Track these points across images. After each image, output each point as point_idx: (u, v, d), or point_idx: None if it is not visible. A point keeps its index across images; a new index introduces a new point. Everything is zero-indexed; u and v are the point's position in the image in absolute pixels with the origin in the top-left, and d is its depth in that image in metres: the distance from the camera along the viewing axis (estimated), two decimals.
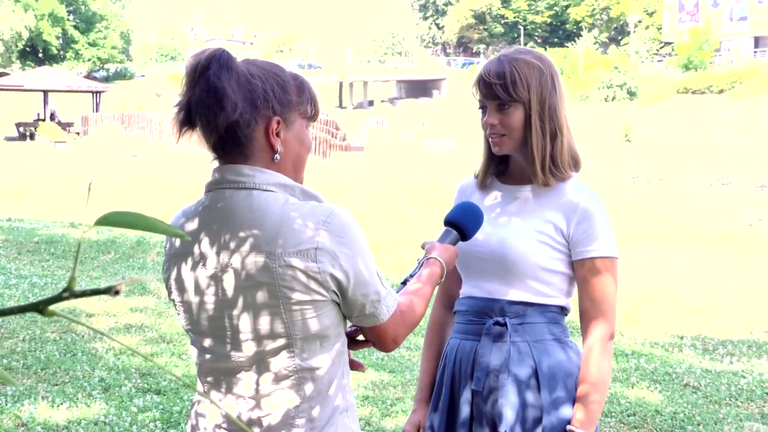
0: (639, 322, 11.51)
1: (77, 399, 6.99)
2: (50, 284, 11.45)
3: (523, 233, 3.14)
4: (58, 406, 6.82)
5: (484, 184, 3.34)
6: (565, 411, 3.10)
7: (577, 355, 3.19)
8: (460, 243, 3.10)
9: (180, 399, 7.08)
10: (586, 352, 3.13)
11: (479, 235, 3.14)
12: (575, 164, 3.22)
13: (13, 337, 8.68)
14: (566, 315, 3.27)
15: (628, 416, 7.19)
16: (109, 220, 1.03)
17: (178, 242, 2.62)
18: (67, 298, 1.01)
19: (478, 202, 3.27)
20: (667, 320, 11.71)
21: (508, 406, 3.12)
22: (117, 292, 0.98)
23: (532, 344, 3.15)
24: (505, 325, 3.16)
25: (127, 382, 7.48)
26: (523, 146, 3.17)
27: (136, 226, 1.04)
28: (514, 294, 3.17)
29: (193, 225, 2.57)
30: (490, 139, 3.19)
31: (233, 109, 2.44)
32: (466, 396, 3.23)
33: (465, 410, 3.22)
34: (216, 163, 2.60)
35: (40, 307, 1.03)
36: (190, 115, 2.50)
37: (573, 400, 3.11)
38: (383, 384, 7.81)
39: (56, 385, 7.35)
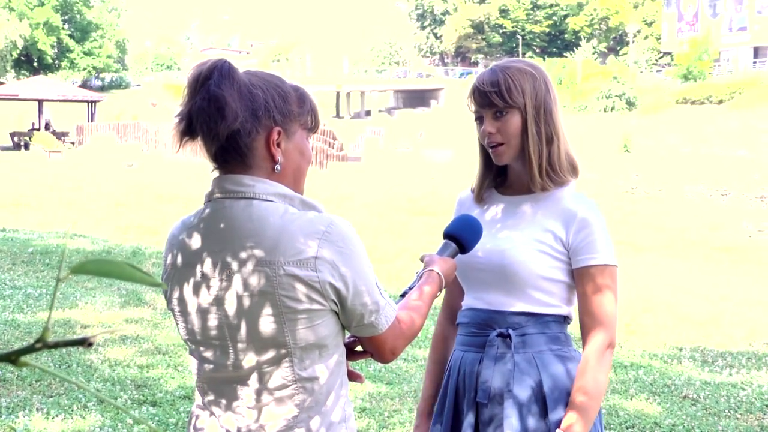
0: (638, 333, 11.48)
1: (72, 411, 6.95)
2: (45, 295, 11.40)
3: (522, 243, 3.14)
4: (53, 417, 6.78)
5: (480, 197, 3.34)
6: None
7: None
8: (460, 255, 3.09)
9: (176, 411, 7.04)
10: (582, 361, 3.12)
11: (479, 247, 3.12)
12: (573, 170, 3.23)
13: (8, 349, 8.63)
14: (569, 323, 3.27)
15: (627, 428, 7.16)
16: (85, 268, 0.99)
17: (179, 252, 2.60)
18: (39, 349, 0.98)
19: (478, 214, 3.27)
20: (666, 332, 11.68)
21: (510, 430, 3.09)
22: (90, 344, 0.96)
23: (534, 356, 3.14)
24: (508, 336, 3.14)
25: (122, 393, 7.44)
26: (522, 153, 3.17)
27: (112, 275, 1.00)
28: (515, 305, 3.17)
29: (193, 235, 2.58)
30: (490, 150, 3.18)
31: (234, 118, 2.45)
32: (469, 408, 3.22)
33: (469, 423, 3.20)
34: (216, 173, 2.60)
35: (13, 358, 1.00)
36: (191, 125, 2.50)
37: None
38: (380, 396, 7.76)
39: (51, 396, 7.31)
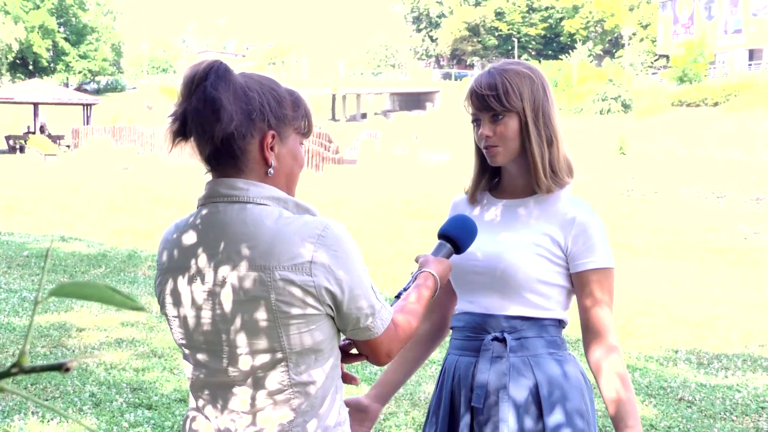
0: (634, 335, 11.48)
1: (68, 414, 6.91)
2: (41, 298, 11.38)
3: (519, 246, 3.12)
4: (48, 421, 6.77)
5: (474, 198, 3.32)
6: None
7: (575, 368, 3.17)
8: (456, 259, 3.08)
9: (171, 414, 7.03)
10: (595, 369, 3.14)
11: (474, 250, 3.11)
12: (569, 171, 3.21)
13: (2, 352, 8.63)
14: (564, 328, 3.25)
15: None
16: (64, 291, 0.97)
17: (172, 256, 2.59)
18: (16, 374, 0.96)
19: (473, 217, 3.23)
20: (661, 334, 11.69)
21: (508, 431, 3.08)
22: (68, 370, 0.94)
23: (530, 360, 3.12)
24: (504, 340, 3.13)
25: (118, 396, 7.42)
26: (519, 156, 3.17)
27: (92, 298, 0.98)
28: (511, 308, 3.15)
29: (186, 239, 2.56)
30: (485, 151, 3.16)
31: (229, 121, 2.43)
32: (465, 411, 3.20)
33: (465, 426, 3.19)
34: (209, 177, 2.58)
35: None
36: (185, 126, 2.48)
37: (571, 420, 3.07)
38: None
39: (46, 400, 7.29)
